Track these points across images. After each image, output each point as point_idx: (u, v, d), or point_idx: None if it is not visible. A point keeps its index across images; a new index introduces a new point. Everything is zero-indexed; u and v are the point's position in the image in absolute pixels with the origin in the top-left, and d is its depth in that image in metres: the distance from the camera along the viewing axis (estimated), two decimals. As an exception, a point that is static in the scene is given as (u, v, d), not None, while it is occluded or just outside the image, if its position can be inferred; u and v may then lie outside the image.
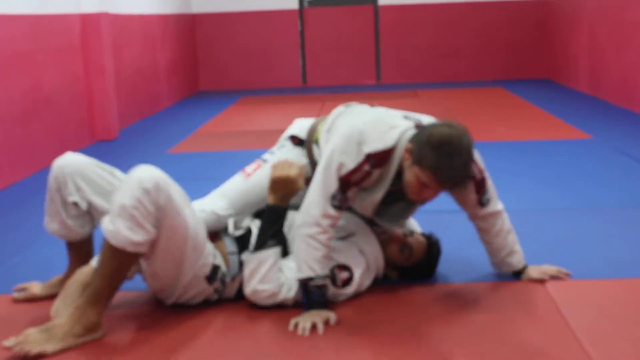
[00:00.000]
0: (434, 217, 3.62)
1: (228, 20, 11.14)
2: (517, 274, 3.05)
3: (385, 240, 2.98)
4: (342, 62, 11.23)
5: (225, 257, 2.87)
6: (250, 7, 11.10)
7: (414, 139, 2.62)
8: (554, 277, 3.03)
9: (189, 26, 10.83)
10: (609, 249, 3.41)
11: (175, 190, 2.63)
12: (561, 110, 7.69)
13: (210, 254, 2.78)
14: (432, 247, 3.04)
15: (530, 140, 6.17)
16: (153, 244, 2.59)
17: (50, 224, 2.90)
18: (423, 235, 3.07)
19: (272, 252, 2.77)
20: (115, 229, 2.51)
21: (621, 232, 3.67)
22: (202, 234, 2.74)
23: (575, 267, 3.18)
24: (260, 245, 2.78)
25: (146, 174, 2.53)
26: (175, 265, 2.67)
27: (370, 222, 3.04)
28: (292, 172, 2.82)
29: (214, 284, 2.80)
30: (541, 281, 3.01)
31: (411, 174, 2.62)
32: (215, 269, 2.78)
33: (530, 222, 3.86)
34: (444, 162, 2.53)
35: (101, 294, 2.57)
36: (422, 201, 2.77)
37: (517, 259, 3.03)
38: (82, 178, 2.81)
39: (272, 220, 2.81)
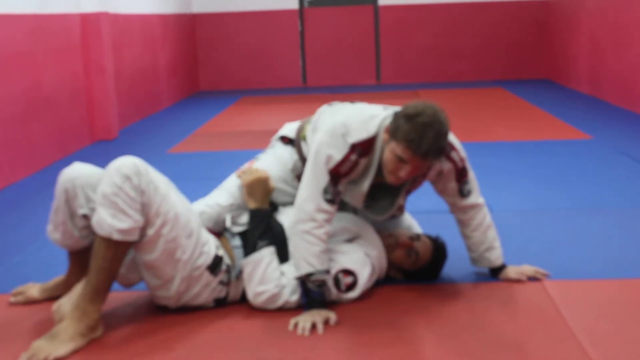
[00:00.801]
0: (434, 218, 3.62)
1: (228, 20, 11.14)
2: (495, 273, 3.07)
3: (391, 245, 2.98)
4: (342, 62, 11.23)
5: (229, 252, 2.88)
6: (250, 7, 11.10)
7: (392, 117, 2.67)
8: (532, 278, 3.04)
9: (189, 26, 10.83)
10: (609, 249, 3.40)
11: (158, 177, 2.65)
12: (561, 110, 7.68)
13: (212, 244, 2.79)
14: (438, 250, 3.05)
15: (530, 141, 6.17)
16: (144, 232, 2.60)
17: (54, 234, 2.86)
18: (429, 238, 3.07)
19: (266, 252, 2.78)
20: (99, 217, 2.53)
21: (621, 232, 3.67)
22: (195, 221, 2.75)
23: (575, 267, 3.18)
24: (252, 248, 2.80)
25: (124, 161, 2.57)
26: (171, 254, 2.65)
27: (371, 223, 3.06)
28: (261, 173, 2.91)
29: (218, 275, 2.78)
30: (518, 281, 3.02)
31: (388, 151, 2.66)
32: (218, 259, 2.78)
33: (530, 222, 3.86)
34: (417, 131, 2.56)
35: (98, 288, 2.58)
36: (408, 190, 2.83)
37: (496, 255, 3.04)
38: (93, 189, 2.74)
39: (256, 223, 2.85)
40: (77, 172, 2.79)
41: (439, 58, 11.04)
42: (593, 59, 8.71)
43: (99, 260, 2.56)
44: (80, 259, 2.90)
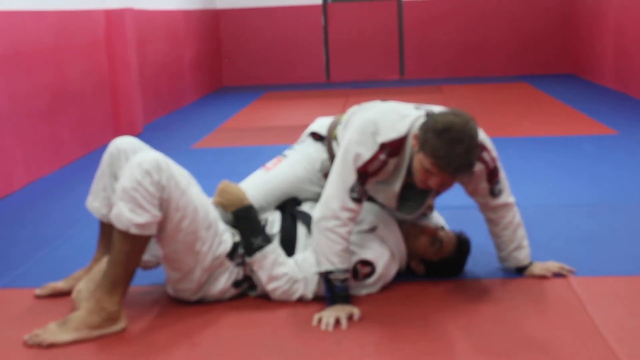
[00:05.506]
0: (459, 214, 3.61)
1: (252, 15, 11.16)
2: (520, 270, 3.05)
3: (416, 232, 2.97)
4: (366, 57, 11.21)
5: None
6: (274, 2, 11.11)
7: (421, 126, 2.63)
8: (557, 274, 3.02)
9: (212, 22, 10.86)
10: (635, 246, 3.37)
11: (178, 171, 2.68)
12: (587, 106, 7.61)
13: (229, 232, 2.83)
14: (461, 243, 3.03)
15: (555, 136, 6.12)
16: (163, 226, 2.63)
17: (93, 202, 2.95)
18: (454, 233, 3.06)
19: (268, 250, 2.80)
20: (118, 211, 2.57)
21: (648, 228, 3.63)
22: (213, 212, 2.78)
23: (601, 263, 3.16)
24: (249, 249, 2.81)
25: (146, 156, 2.60)
26: (190, 247, 2.69)
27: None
28: (220, 189, 2.90)
29: (235, 259, 2.82)
30: (543, 277, 3.00)
31: (417, 160, 2.63)
32: (236, 245, 2.82)
33: (555, 217, 3.83)
34: (446, 148, 2.51)
35: (116, 280, 2.60)
36: (438, 191, 2.80)
37: (525, 254, 3.03)
38: (134, 154, 2.84)
39: (244, 224, 2.84)
40: (124, 139, 2.90)
41: (463, 53, 10.99)
42: (619, 53, 8.62)
43: (115, 253, 2.59)
44: (109, 237, 2.92)
